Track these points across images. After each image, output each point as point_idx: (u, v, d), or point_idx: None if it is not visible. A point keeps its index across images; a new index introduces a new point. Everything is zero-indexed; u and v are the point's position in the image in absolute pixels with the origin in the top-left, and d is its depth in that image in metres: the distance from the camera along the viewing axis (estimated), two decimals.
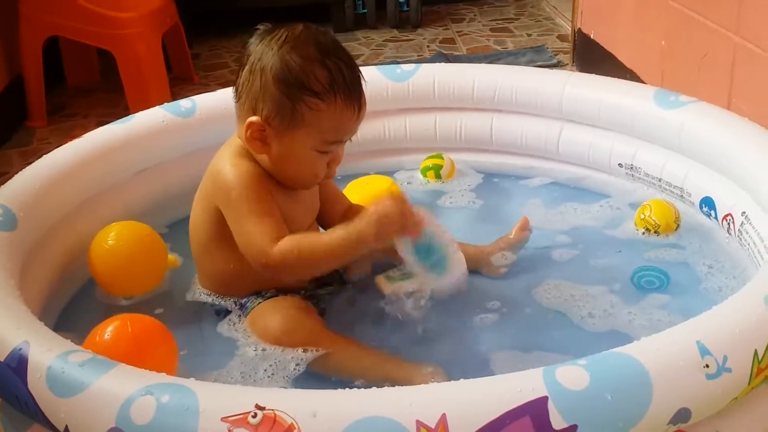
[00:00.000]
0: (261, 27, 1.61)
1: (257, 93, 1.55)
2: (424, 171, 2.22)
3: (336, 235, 1.50)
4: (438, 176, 2.20)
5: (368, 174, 2.14)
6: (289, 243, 1.51)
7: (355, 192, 1.98)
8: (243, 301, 1.64)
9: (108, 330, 1.46)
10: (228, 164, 1.60)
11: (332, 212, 1.79)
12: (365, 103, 1.59)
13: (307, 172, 1.61)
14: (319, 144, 1.57)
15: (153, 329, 1.51)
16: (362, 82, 1.58)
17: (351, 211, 1.80)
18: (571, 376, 1.14)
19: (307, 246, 1.51)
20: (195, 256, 1.71)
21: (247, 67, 1.57)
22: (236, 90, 1.61)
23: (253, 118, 1.56)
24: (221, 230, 1.61)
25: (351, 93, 1.55)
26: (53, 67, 3.51)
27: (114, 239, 1.75)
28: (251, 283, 1.64)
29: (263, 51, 1.55)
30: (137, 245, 1.76)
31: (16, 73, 3.29)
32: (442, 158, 2.22)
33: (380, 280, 1.65)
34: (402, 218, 1.48)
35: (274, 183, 1.62)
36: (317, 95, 1.52)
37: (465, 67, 2.29)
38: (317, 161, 1.59)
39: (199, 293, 1.71)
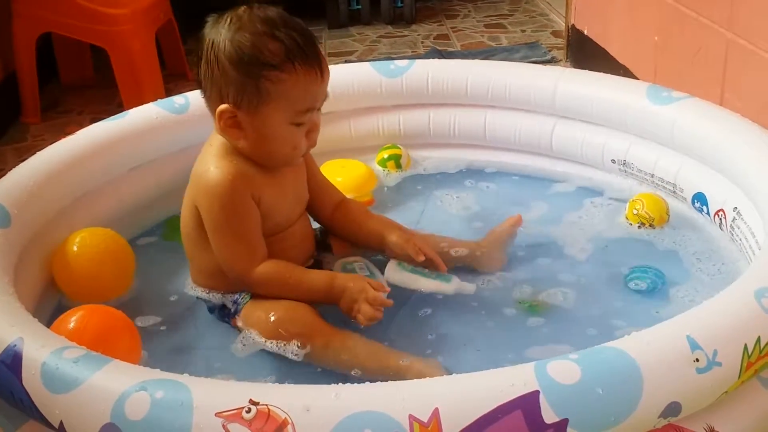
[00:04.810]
0: (209, 19, 1.61)
1: (219, 81, 1.56)
2: (383, 162, 2.22)
3: (314, 284, 1.61)
4: (398, 166, 2.21)
5: None
6: (269, 270, 1.60)
7: (329, 173, 1.95)
8: (235, 297, 1.64)
9: (71, 320, 1.48)
10: (211, 166, 1.60)
11: (322, 205, 1.81)
12: (327, 65, 1.59)
13: (288, 148, 1.61)
14: (292, 116, 1.57)
15: (115, 320, 1.53)
16: (318, 44, 1.59)
17: (342, 206, 1.81)
18: (562, 370, 1.15)
19: (287, 282, 1.60)
20: (187, 251, 1.71)
21: (203, 60, 1.58)
22: (200, 85, 1.62)
23: (222, 107, 1.56)
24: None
25: (308, 57, 1.55)
26: (47, 64, 3.50)
27: (78, 245, 1.73)
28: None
29: (213, 39, 1.56)
30: (103, 251, 1.75)
31: (10, 69, 3.29)
32: (399, 148, 2.23)
33: (392, 265, 1.69)
34: (370, 311, 1.56)
35: (260, 174, 1.62)
36: (276, 67, 1.53)
37: (459, 63, 2.29)
38: (295, 134, 1.60)
39: (192, 289, 1.71)
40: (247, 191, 1.59)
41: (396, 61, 2.28)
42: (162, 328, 1.67)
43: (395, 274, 1.69)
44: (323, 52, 1.59)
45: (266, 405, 1.12)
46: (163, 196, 2.04)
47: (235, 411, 1.11)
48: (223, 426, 1.10)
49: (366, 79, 2.23)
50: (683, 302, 1.64)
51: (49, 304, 1.74)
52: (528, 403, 1.11)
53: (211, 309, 1.69)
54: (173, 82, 3.54)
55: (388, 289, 1.60)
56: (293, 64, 1.53)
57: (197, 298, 1.71)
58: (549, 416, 1.10)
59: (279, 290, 1.60)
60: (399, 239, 1.72)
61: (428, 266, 1.71)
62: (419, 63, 2.27)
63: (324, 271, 1.65)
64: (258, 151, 1.61)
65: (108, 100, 3.40)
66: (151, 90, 3.18)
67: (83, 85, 3.64)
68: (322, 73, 1.57)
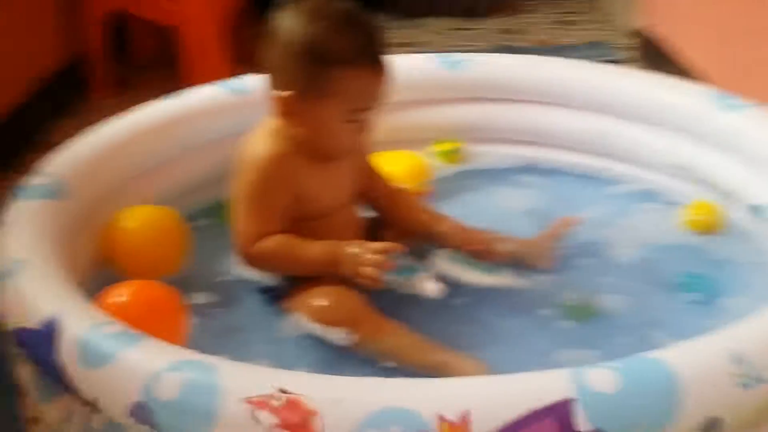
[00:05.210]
0: (284, 4, 1.61)
1: (284, 67, 1.57)
2: (440, 155, 2.20)
3: (313, 257, 1.58)
4: (454, 160, 2.20)
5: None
6: (265, 247, 1.59)
7: (382, 164, 1.91)
8: (283, 279, 1.65)
9: (119, 294, 1.48)
10: (259, 141, 1.63)
11: (375, 195, 1.81)
12: (390, 68, 1.59)
13: (337, 142, 1.62)
14: (347, 113, 1.57)
15: (164, 297, 1.54)
16: (385, 47, 1.59)
17: (395, 197, 1.81)
18: (600, 378, 1.12)
19: (284, 257, 1.60)
20: None
21: (272, 44, 1.59)
22: (264, 69, 1.62)
23: (282, 93, 1.57)
24: None
25: (375, 59, 1.56)
26: (118, 42, 3.55)
27: (133, 221, 1.74)
28: None
29: (286, 25, 1.57)
30: (158, 228, 1.76)
31: (80, 46, 3.34)
32: (456, 142, 2.21)
33: (442, 255, 1.68)
34: (368, 272, 1.53)
35: (305, 160, 1.62)
36: (343, 64, 1.53)
37: (522, 59, 2.27)
38: (347, 130, 1.60)
39: (243, 270, 1.71)
40: (284, 173, 1.60)
41: (459, 54, 2.26)
42: (210, 307, 1.67)
43: (444, 264, 1.68)
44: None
45: (297, 394, 1.11)
46: (221, 178, 2.04)
47: (264, 397, 1.11)
48: (252, 412, 1.10)
49: (427, 70, 2.22)
50: (733, 313, 1.57)
51: (100, 278, 1.73)
52: (562, 410, 1.08)
53: (261, 290, 1.69)
54: (240, 65, 3.55)
55: (399, 246, 1.57)
56: (360, 63, 1.54)
57: (246, 280, 1.71)
58: (583, 425, 1.08)
59: (279, 267, 1.63)
60: (451, 230, 1.73)
61: (479, 257, 1.70)
62: (482, 57, 2.25)
63: (330, 241, 1.61)
64: (308, 141, 1.61)
65: (175, 80, 3.42)
66: (217, 71, 3.19)
67: (153, 64, 3.68)
68: (385, 76, 1.58)
